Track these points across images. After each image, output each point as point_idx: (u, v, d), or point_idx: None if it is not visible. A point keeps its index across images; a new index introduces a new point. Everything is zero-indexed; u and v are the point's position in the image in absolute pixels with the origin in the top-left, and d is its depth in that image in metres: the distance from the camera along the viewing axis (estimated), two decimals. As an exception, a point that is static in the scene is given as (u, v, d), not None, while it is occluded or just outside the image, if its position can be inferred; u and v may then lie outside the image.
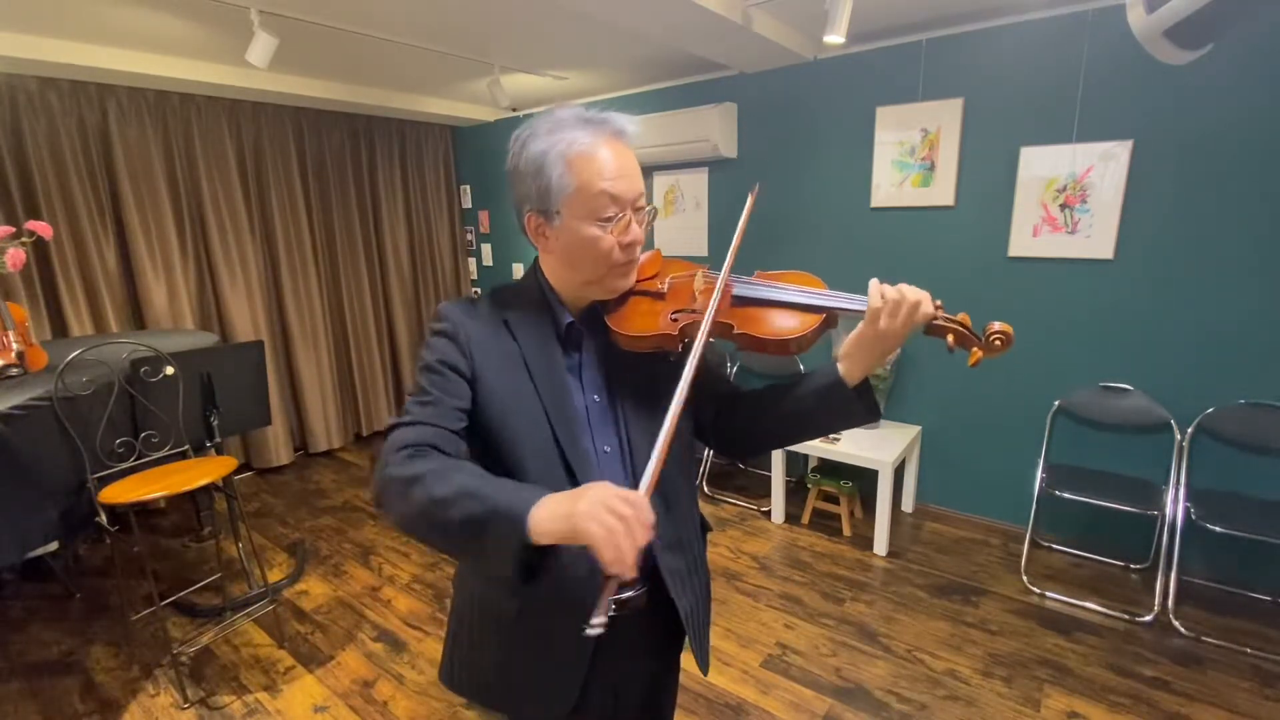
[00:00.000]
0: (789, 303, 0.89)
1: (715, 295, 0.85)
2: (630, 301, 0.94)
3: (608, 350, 0.93)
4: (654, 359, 0.93)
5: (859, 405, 0.88)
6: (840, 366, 0.88)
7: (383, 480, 0.77)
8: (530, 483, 0.88)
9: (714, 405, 1.01)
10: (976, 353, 0.84)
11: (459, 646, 1.03)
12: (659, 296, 0.93)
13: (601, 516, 0.64)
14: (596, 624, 0.66)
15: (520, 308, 0.92)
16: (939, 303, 0.85)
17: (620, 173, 0.84)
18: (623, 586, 0.93)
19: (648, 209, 0.90)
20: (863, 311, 0.85)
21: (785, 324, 0.88)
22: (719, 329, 0.87)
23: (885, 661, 2.14)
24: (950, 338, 0.85)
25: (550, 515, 0.67)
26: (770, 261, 3.26)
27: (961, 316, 0.86)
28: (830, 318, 0.88)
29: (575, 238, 0.85)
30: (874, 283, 0.85)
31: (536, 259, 0.96)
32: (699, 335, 0.82)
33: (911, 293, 0.82)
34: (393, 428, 0.82)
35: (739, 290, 0.91)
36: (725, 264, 0.90)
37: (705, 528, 1.11)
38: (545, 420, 0.87)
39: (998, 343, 0.83)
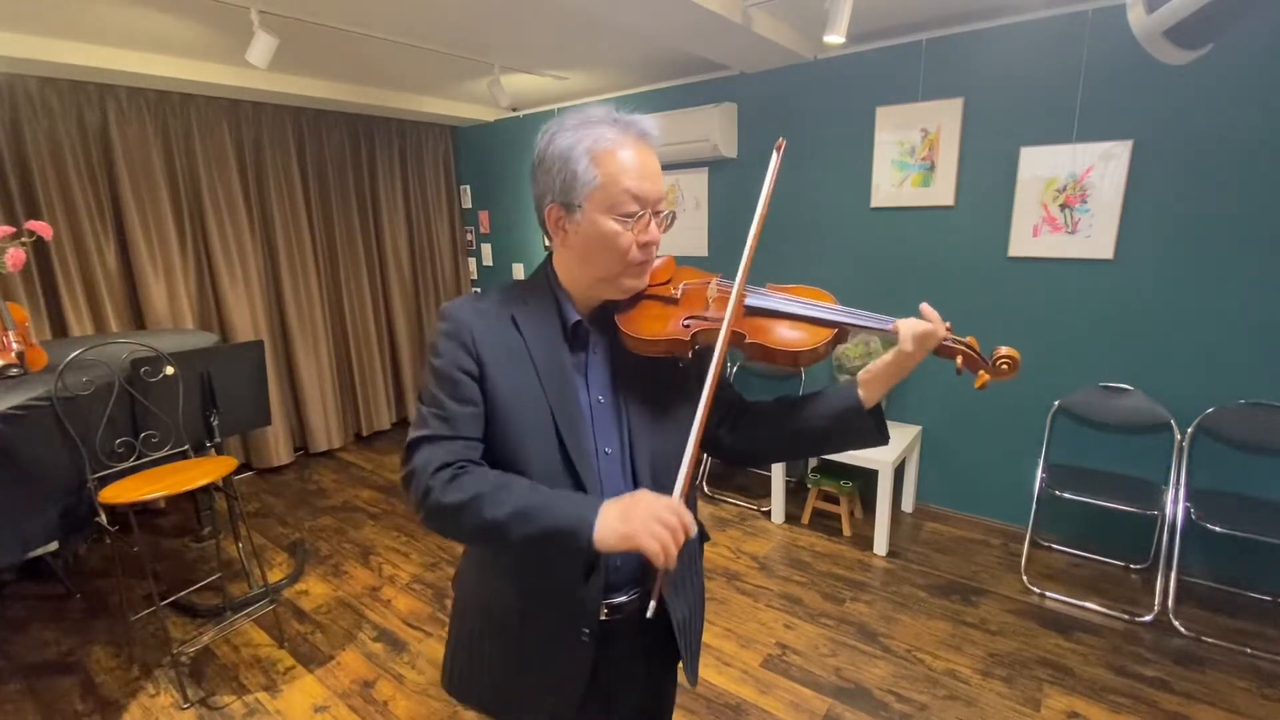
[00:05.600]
0: (801, 316, 0.90)
1: (731, 302, 0.86)
2: (642, 304, 0.94)
3: (615, 351, 0.93)
4: (660, 363, 0.92)
5: (874, 428, 0.91)
6: (860, 391, 0.90)
7: (429, 508, 0.81)
8: (532, 479, 0.88)
9: (718, 412, 1.01)
10: (983, 375, 0.86)
11: (459, 652, 1.03)
12: (672, 301, 0.94)
13: (655, 530, 0.74)
14: (653, 607, 0.79)
15: (528, 304, 0.91)
16: (948, 324, 0.87)
17: (644, 173, 0.85)
18: (618, 590, 0.94)
19: (666, 213, 0.90)
20: (873, 329, 0.87)
21: (797, 337, 0.89)
22: (730, 337, 0.88)
23: (885, 661, 2.14)
24: (959, 359, 0.86)
25: (610, 532, 0.76)
26: (771, 262, 3.28)
27: (970, 339, 0.87)
28: (841, 334, 0.89)
29: (595, 232, 0.85)
30: (910, 322, 0.86)
31: (547, 257, 0.95)
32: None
33: (927, 326, 0.85)
34: (417, 443, 0.84)
35: (752, 300, 0.92)
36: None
37: (703, 536, 1.10)
38: (550, 418, 0.87)
39: (1004, 367, 0.84)
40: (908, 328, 0.84)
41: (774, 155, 0.93)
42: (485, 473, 0.82)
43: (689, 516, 0.76)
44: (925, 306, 0.86)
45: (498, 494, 0.79)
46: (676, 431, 0.94)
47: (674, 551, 0.73)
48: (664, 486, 0.93)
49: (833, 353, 3.06)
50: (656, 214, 0.88)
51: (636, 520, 0.74)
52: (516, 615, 0.94)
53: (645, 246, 0.88)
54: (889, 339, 0.87)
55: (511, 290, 0.94)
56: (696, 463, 0.82)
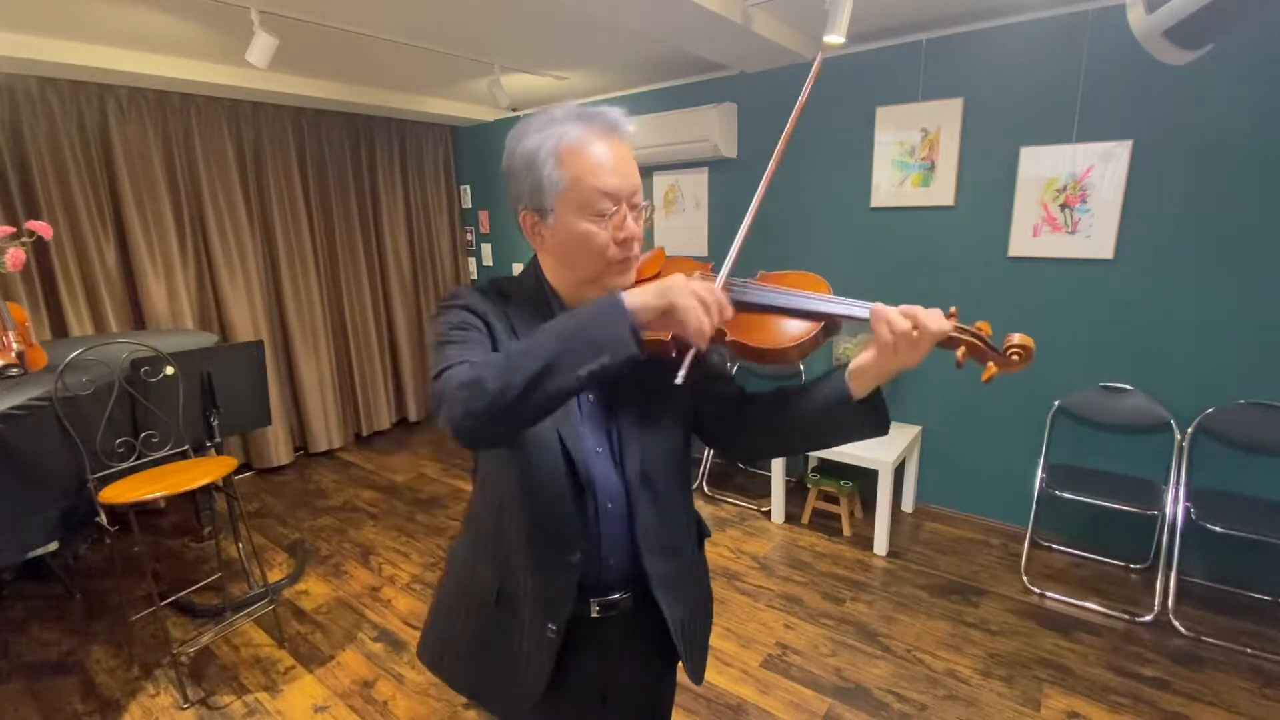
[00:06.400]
0: (787, 308, 0.85)
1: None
2: None
3: None
4: (647, 364, 0.91)
5: (867, 420, 0.85)
6: (850, 384, 0.83)
7: (460, 392, 0.71)
8: (534, 478, 0.88)
9: (716, 406, 0.99)
10: (991, 368, 0.78)
11: (436, 622, 1.04)
12: None
13: (689, 294, 0.72)
14: (683, 375, 0.77)
15: (520, 302, 0.91)
16: (954, 309, 0.80)
17: (613, 168, 0.82)
18: (612, 589, 0.93)
19: (644, 205, 0.88)
20: (865, 319, 0.80)
21: (780, 332, 0.83)
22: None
23: (885, 661, 2.14)
24: (960, 351, 0.78)
25: (641, 301, 0.72)
26: (770, 261, 3.27)
27: (980, 325, 0.79)
28: (830, 325, 0.83)
29: (570, 235, 0.83)
30: (879, 311, 0.77)
31: (535, 254, 0.95)
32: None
33: (931, 321, 0.76)
34: (441, 372, 0.76)
35: (734, 295, 0.86)
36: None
37: (703, 534, 1.09)
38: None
39: (1015, 357, 0.77)
40: (881, 330, 0.77)
41: (816, 62, 0.89)
42: None
43: (724, 298, 0.74)
44: (908, 313, 0.77)
45: (515, 343, 0.76)
46: (663, 432, 0.93)
47: (707, 322, 0.71)
48: (653, 487, 0.92)
49: (831, 342, 3.05)
50: (633, 208, 0.85)
51: (670, 286, 0.72)
52: (493, 595, 0.94)
53: (624, 243, 0.85)
54: None
55: (504, 286, 0.93)
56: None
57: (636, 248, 0.88)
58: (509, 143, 0.86)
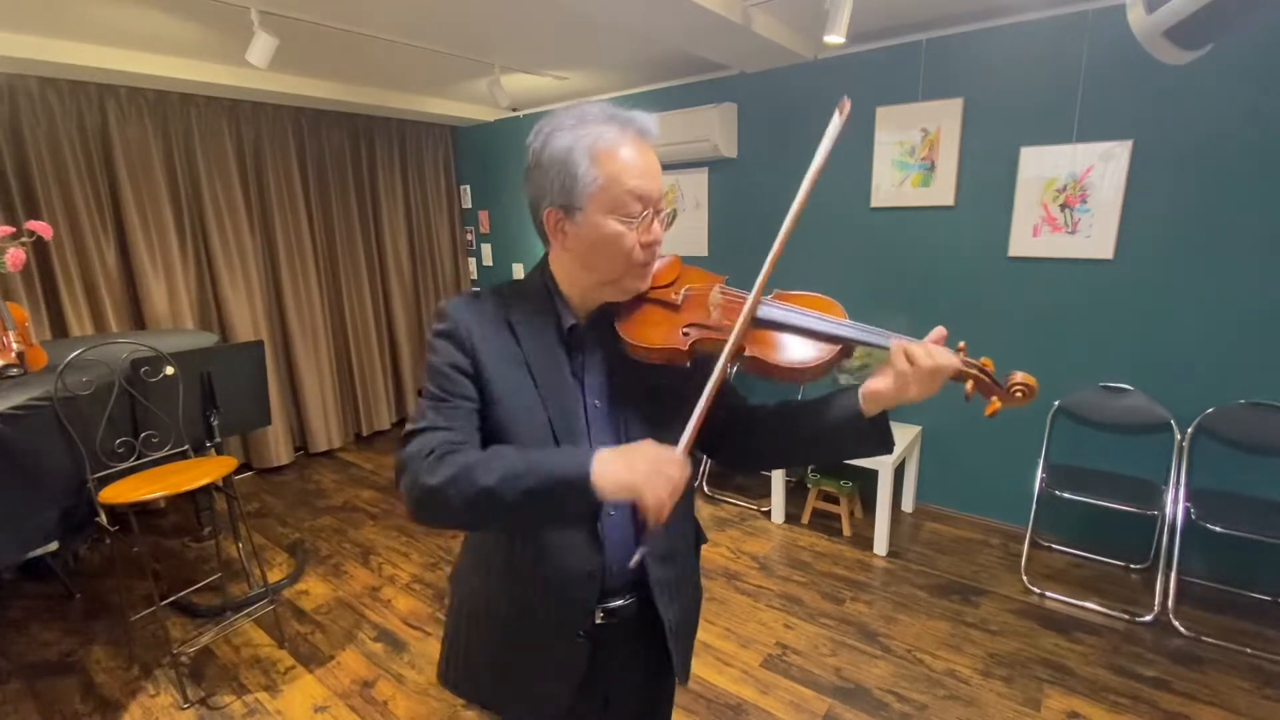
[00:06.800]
0: (807, 329, 0.85)
1: (741, 319, 0.83)
2: (642, 309, 0.91)
3: (613, 355, 0.91)
4: (658, 369, 0.90)
5: (875, 440, 0.87)
6: (862, 404, 0.84)
7: (418, 491, 0.77)
8: None
9: (720, 416, 0.98)
10: (995, 403, 0.80)
11: (455, 645, 1.03)
12: (673, 307, 0.91)
13: (657, 486, 0.73)
14: (637, 557, 0.83)
15: (524, 307, 0.90)
16: (962, 344, 0.82)
17: (646, 171, 0.83)
18: (614, 595, 0.94)
19: (668, 211, 0.89)
20: (882, 346, 0.82)
21: (799, 353, 0.85)
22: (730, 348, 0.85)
23: (885, 661, 2.14)
24: (969, 385, 0.81)
25: (611, 481, 0.74)
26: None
27: (984, 362, 0.82)
28: (846, 349, 0.85)
29: (598, 234, 0.83)
30: (900, 345, 0.80)
31: (544, 258, 0.93)
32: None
33: (943, 358, 0.78)
34: (411, 435, 0.82)
35: (762, 312, 0.87)
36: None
37: (699, 539, 1.10)
38: (548, 425, 0.86)
39: (1019, 394, 0.79)
40: (900, 363, 0.79)
41: (835, 116, 0.83)
42: (470, 451, 0.80)
43: (688, 471, 0.76)
44: (931, 346, 0.79)
45: (488, 462, 0.76)
46: (670, 439, 0.94)
47: (669, 507, 0.74)
48: None
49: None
50: (658, 213, 0.86)
51: (640, 471, 0.73)
52: (513, 615, 0.94)
53: (649, 247, 0.86)
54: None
55: (507, 292, 0.92)
56: (702, 424, 0.80)
57: (657, 251, 0.89)
58: (535, 137, 0.84)
